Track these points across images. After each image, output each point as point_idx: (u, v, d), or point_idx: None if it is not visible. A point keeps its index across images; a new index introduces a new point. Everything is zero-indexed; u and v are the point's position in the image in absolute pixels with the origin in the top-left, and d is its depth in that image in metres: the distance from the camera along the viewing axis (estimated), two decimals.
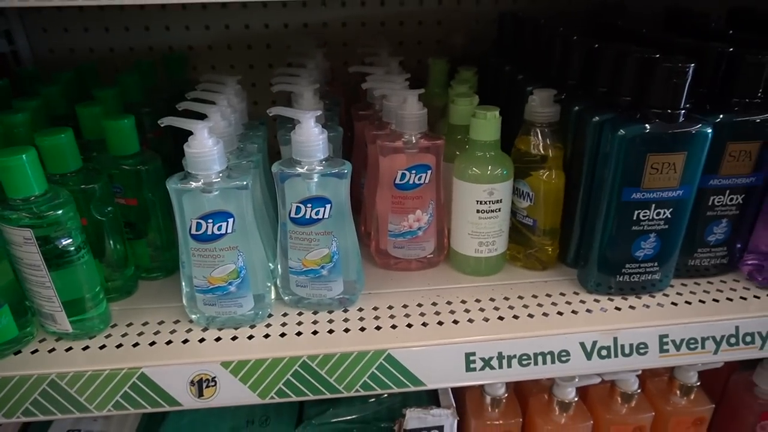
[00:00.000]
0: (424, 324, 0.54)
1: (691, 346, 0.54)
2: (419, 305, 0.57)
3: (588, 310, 0.56)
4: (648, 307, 0.56)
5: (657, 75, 0.49)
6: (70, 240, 0.50)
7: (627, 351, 0.53)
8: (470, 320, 0.55)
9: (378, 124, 0.64)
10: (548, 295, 0.58)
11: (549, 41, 0.66)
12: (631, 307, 0.56)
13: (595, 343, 0.53)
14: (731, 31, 0.62)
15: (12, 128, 0.56)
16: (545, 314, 0.55)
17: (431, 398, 0.65)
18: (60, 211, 0.48)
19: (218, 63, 0.89)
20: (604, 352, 0.53)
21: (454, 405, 0.62)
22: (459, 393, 0.69)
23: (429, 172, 0.58)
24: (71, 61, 0.87)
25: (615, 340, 0.53)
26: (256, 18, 0.87)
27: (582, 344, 0.53)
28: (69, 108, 0.68)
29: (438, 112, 0.74)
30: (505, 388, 0.66)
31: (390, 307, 0.57)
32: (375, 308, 0.57)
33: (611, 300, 0.57)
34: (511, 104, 0.61)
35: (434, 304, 0.57)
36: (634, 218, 0.53)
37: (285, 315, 0.56)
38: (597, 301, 0.57)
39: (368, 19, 0.88)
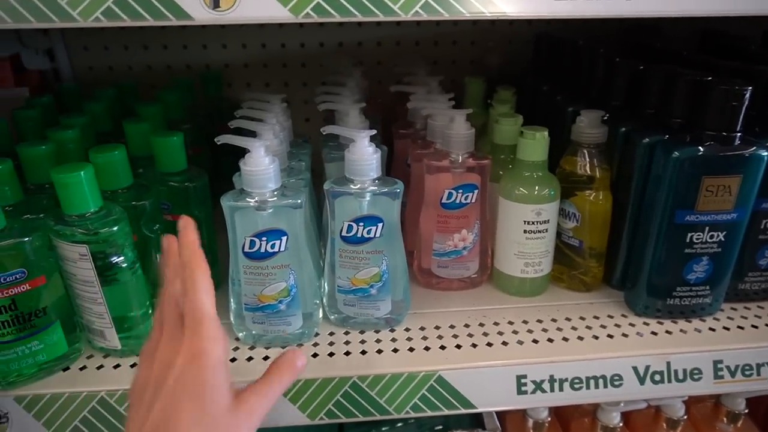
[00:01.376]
0: (473, 345, 0.54)
1: (747, 372, 0.53)
2: (466, 326, 0.56)
3: (638, 333, 0.55)
4: (700, 331, 0.55)
5: (714, 97, 0.49)
6: (123, 257, 0.50)
7: (681, 376, 0.52)
8: (519, 342, 0.54)
9: (421, 143, 0.64)
10: (596, 317, 0.58)
11: (591, 62, 0.66)
12: (682, 331, 0.55)
13: (648, 367, 0.52)
14: None
15: (64, 145, 0.56)
16: (595, 337, 0.55)
17: (472, 420, 0.64)
18: (115, 228, 0.48)
19: (253, 81, 0.90)
20: (657, 377, 0.52)
21: (500, 428, 0.61)
22: (500, 415, 0.68)
23: (475, 191, 0.58)
24: (110, 78, 0.88)
25: (668, 364, 0.52)
26: (292, 37, 0.88)
27: (635, 368, 0.52)
28: (113, 124, 0.69)
29: (475, 131, 0.74)
30: (548, 412, 0.65)
31: (437, 327, 0.56)
32: (422, 328, 0.56)
33: (660, 323, 0.56)
34: (550, 124, 0.61)
35: (481, 324, 0.57)
36: (687, 241, 0.53)
37: (332, 334, 0.56)
38: (646, 324, 0.56)
39: (403, 39, 0.89)
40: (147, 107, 0.66)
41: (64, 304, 0.51)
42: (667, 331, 0.55)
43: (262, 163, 0.48)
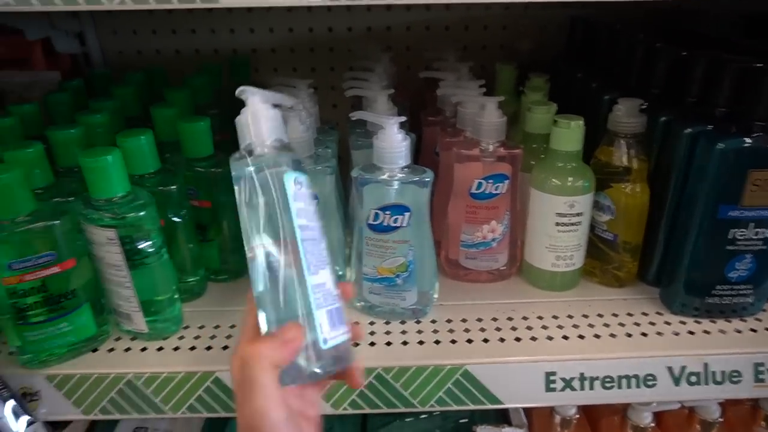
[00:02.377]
0: (501, 339, 0.52)
1: None
2: (494, 319, 0.55)
3: (675, 333, 0.53)
4: (740, 332, 0.53)
5: (763, 85, 0.46)
6: (150, 241, 0.50)
7: (719, 378, 0.50)
8: (549, 337, 0.53)
9: (451, 131, 0.62)
10: (629, 314, 0.56)
11: (629, 48, 0.63)
12: (721, 331, 0.53)
13: (683, 368, 0.50)
14: None
15: (92, 129, 0.56)
16: (628, 334, 0.53)
17: (499, 415, 0.63)
18: (142, 213, 0.48)
19: (281, 66, 0.89)
20: (693, 379, 0.50)
21: (527, 424, 0.60)
22: (526, 411, 0.66)
23: (506, 181, 0.57)
24: (138, 62, 0.88)
25: (705, 366, 0.50)
26: (319, 21, 0.87)
27: (669, 369, 0.50)
28: (141, 109, 0.69)
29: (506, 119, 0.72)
30: (576, 409, 0.64)
31: (464, 320, 0.55)
32: (448, 320, 0.55)
33: (698, 323, 0.54)
34: (584, 113, 0.58)
35: (510, 318, 0.55)
36: (730, 237, 0.50)
37: (356, 323, 0.55)
38: (683, 323, 0.54)
39: (432, 23, 0.87)
40: (175, 92, 0.66)
41: (93, 286, 0.52)
42: (705, 331, 0.53)
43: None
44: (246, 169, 0.36)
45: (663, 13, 0.80)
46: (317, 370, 0.34)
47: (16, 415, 0.49)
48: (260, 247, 0.35)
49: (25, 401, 0.50)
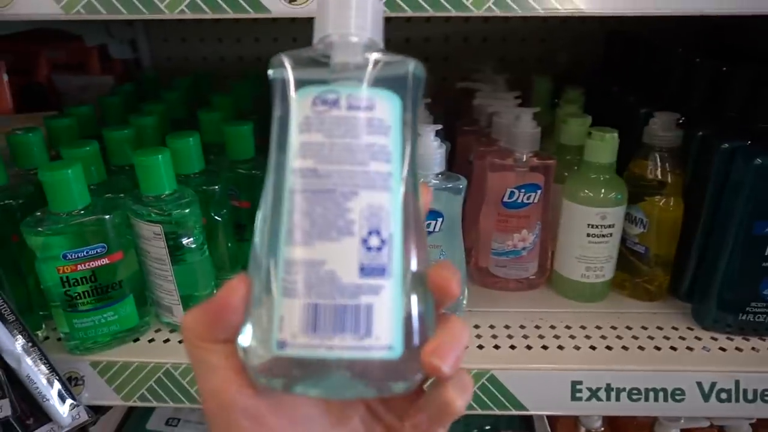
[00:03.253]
0: (528, 347, 0.53)
1: None
2: (522, 327, 0.56)
3: (705, 348, 0.52)
4: None
5: None
6: (192, 238, 0.52)
7: (750, 397, 0.50)
8: (576, 347, 0.53)
9: (485, 141, 0.63)
10: (659, 328, 0.55)
11: (666, 62, 0.63)
12: (754, 349, 0.52)
13: (713, 384, 0.50)
14: None
15: (143, 130, 0.60)
16: (657, 348, 0.53)
17: (522, 422, 0.63)
18: (187, 210, 0.51)
19: None
20: (723, 395, 0.50)
21: None
22: (551, 420, 0.67)
23: (538, 191, 0.57)
24: (185, 68, 0.92)
25: (737, 383, 0.50)
26: None
27: (699, 384, 0.50)
28: (186, 112, 0.73)
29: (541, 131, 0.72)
30: (601, 422, 0.63)
31: (491, 327, 0.56)
32: (476, 326, 0.56)
33: (730, 339, 0.54)
34: (619, 125, 0.59)
35: (537, 327, 0.56)
36: (766, 254, 0.50)
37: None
38: (714, 339, 0.54)
39: (471, 35, 0.88)
40: (220, 97, 0.69)
41: (138, 279, 0.54)
42: (737, 348, 0.52)
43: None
44: (280, 71, 0.25)
45: (702, 28, 0.80)
46: (261, 382, 0.24)
47: (62, 398, 0.52)
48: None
49: (70, 385, 0.53)
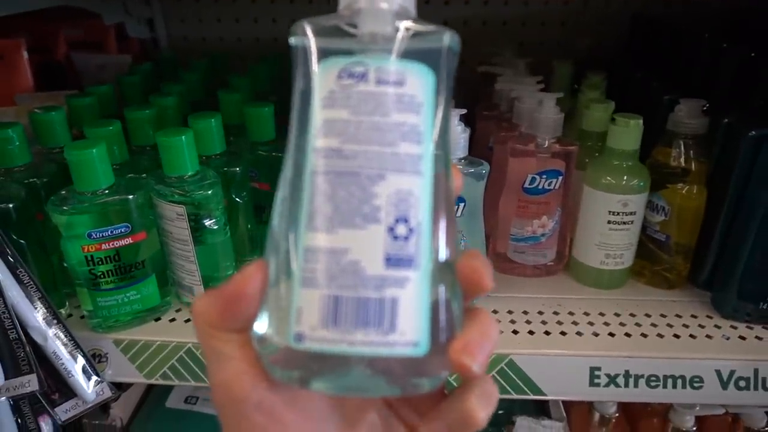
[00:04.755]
0: (547, 332, 0.53)
1: None
2: (540, 313, 0.56)
3: (725, 336, 0.52)
4: None
5: None
6: (214, 219, 0.53)
7: None
8: (595, 333, 0.53)
9: (506, 126, 0.63)
10: (678, 316, 0.55)
11: (693, 47, 0.62)
12: None
13: (732, 372, 0.50)
14: None
15: (164, 110, 0.60)
16: (676, 336, 0.53)
17: (537, 407, 0.64)
18: (209, 192, 0.51)
19: None
20: (742, 383, 0.50)
21: (566, 418, 0.60)
22: (565, 405, 0.67)
23: (560, 178, 0.57)
24: (202, 48, 0.92)
25: (756, 372, 0.50)
26: None
27: (718, 372, 0.50)
28: (205, 93, 0.73)
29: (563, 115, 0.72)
30: (616, 408, 0.64)
31: (510, 312, 0.56)
32: (495, 311, 0.56)
33: (750, 328, 0.54)
34: (642, 112, 0.58)
35: (555, 313, 0.56)
36: None
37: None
38: (734, 327, 0.54)
39: (490, 19, 0.87)
40: (238, 78, 0.68)
41: (160, 259, 0.55)
42: (757, 337, 0.52)
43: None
44: (301, 39, 0.22)
45: (730, 12, 0.78)
46: (276, 375, 0.23)
47: (86, 375, 0.53)
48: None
49: (94, 362, 0.54)
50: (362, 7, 0.22)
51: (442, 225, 0.23)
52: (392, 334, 0.21)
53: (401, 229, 0.22)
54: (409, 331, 0.21)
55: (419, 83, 0.22)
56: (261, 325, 0.23)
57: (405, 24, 0.22)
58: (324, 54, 0.22)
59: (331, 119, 0.22)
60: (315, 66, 0.22)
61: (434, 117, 0.22)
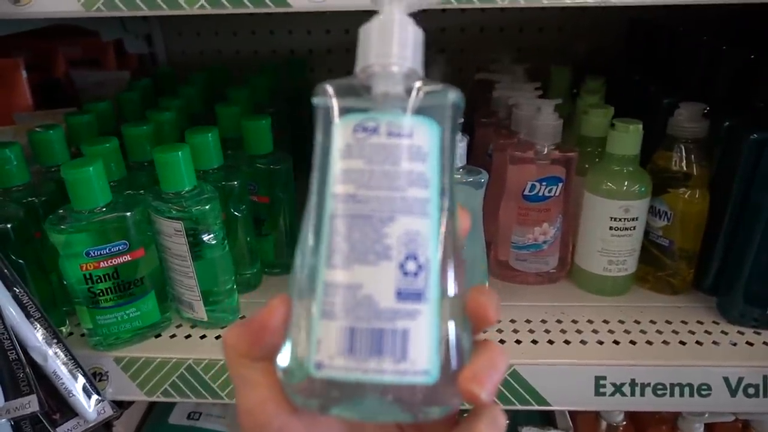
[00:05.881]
0: (550, 341, 0.52)
1: None
2: (543, 321, 0.55)
3: (732, 343, 0.52)
4: None
5: None
6: (212, 234, 0.52)
7: None
8: (599, 341, 0.52)
9: (505, 133, 0.62)
10: (684, 322, 0.55)
11: (691, 50, 0.62)
12: None
13: (741, 379, 0.49)
14: None
15: (161, 125, 0.60)
16: (682, 342, 0.52)
17: (543, 416, 0.63)
18: (207, 206, 0.51)
19: (336, 67, 0.91)
20: (751, 391, 0.49)
21: (572, 428, 0.59)
22: (572, 415, 0.66)
23: (560, 184, 0.57)
24: (200, 62, 0.92)
25: (765, 379, 0.49)
26: None
27: (726, 379, 0.49)
28: (203, 107, 0.73)
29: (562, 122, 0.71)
30: (623, 416, 0.63)
31: (512, 321, 0.55)
32: (497, 321, 0.55)
33: (758, 333, 0.53)
34: (641, 116, 0.57)
35: (559, 321, 0.55)
36: None
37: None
38: (741, 333, 0.53)
39: (487, 25, 0.87)
40: (237, 91, 0.68)
41: (159, 275, 0.55)
42: (765, 343, 0.52)
43: None
44: (323, 99, 0.25)
45: (728, 15, 0.78)
46: (299, 402, 0.24)
47: (87, 393, 0.52)
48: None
49: (95, 380, 0.53)
50: (376, 71, 0.25)
51: (450, 262, 0.24)
52: (404, 363, 0.23)
53: (411, 266, 0.24)
54: (419, 360, 0.23)
55: (426, 135, 0.24)
56: (284, 357, 0.25)
57: (414, 84, 0.25)
58: (343, 112, 0.25)
59: (348, 168, 0.24)
60: (336, 121, 0.25)
61: (440, 165, 0.25)
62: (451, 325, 0.24)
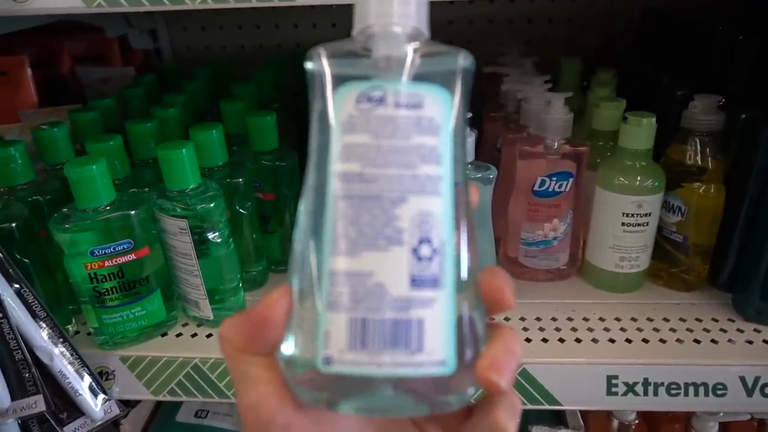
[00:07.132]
0: (561, 340, 0.51)
1: None
2: (553, 319, 0.54)
3: (748, 341, 0.50)
4: None
5: None
6: (218, 232, 0.52)
7: None
8: (611, 340, 0.51)
9: (514, 127, 0.61)
10: (698, 320, 0.53)
11: (706, 41, 0.60)
12: None
13: (758, 379, 0.48)
14: None
15: (166, 122, 0.59)
16: (696, 341, 0.51)
17: (554, 415, 0.62)
18: (212, 204, 0.50)
19: None
20: None
21: (583, 427, 0.59)
22: (583, 414, 0.65)
23: (570, 179, 0.55)
24: (205, 56, 0.91)
25: None
26: None
27: (742, 378, 0.48)
28: (208, 102, 0.72)
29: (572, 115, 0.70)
30: (636, 415, 0.62)
31: (522, 319, 0.54)
32: (506, 319, 0.55)
33: None
34: (654, 109, 0.56)
35: (569, 319, 0.54)
36: None
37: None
38: (758, 331, 0.52)
39: (495, 17, 0.86)
40: (241, 87, 0.68)
41: (164, 274, 0.54)
42: None
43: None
44: (317, 64, 0.22)
45: (742, 3, 0.76)
46: (304, 397, 0.23)
47: (94, 393, 0.52)
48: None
49: (101, 380, 0.53)
50: (376, 31, 0.23)
51: (464, 243, 0.23)
52: (420, 355, 0.21)
53: (425, 250, 0.22)
54: (436, 351, 0.21)
55: (436, 105, 0.22)
56: (288, 348, 0.23)
57: (419, 46, 0.22)
58: (341, 79, 0.22)
59: (352, 144, 0.22)
60: (332, 91, 0.22)
61: (452, 137, 0.22)
62: (466, 311, 0.22)
